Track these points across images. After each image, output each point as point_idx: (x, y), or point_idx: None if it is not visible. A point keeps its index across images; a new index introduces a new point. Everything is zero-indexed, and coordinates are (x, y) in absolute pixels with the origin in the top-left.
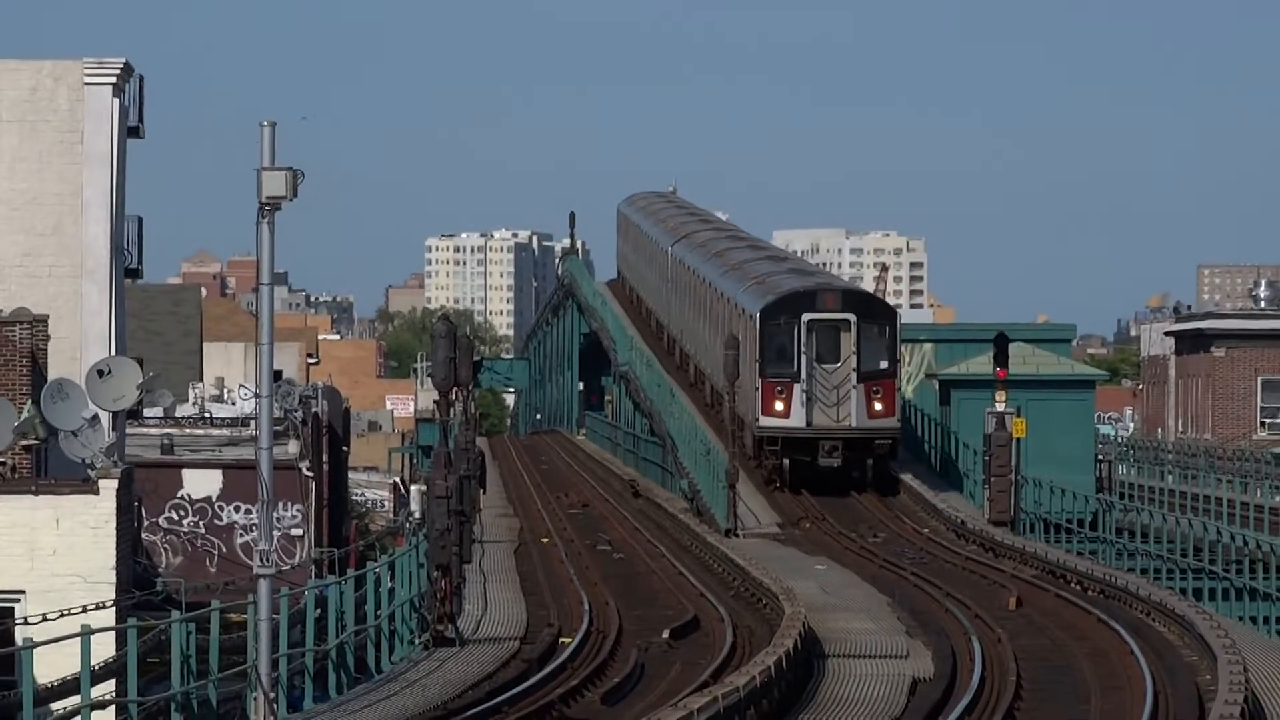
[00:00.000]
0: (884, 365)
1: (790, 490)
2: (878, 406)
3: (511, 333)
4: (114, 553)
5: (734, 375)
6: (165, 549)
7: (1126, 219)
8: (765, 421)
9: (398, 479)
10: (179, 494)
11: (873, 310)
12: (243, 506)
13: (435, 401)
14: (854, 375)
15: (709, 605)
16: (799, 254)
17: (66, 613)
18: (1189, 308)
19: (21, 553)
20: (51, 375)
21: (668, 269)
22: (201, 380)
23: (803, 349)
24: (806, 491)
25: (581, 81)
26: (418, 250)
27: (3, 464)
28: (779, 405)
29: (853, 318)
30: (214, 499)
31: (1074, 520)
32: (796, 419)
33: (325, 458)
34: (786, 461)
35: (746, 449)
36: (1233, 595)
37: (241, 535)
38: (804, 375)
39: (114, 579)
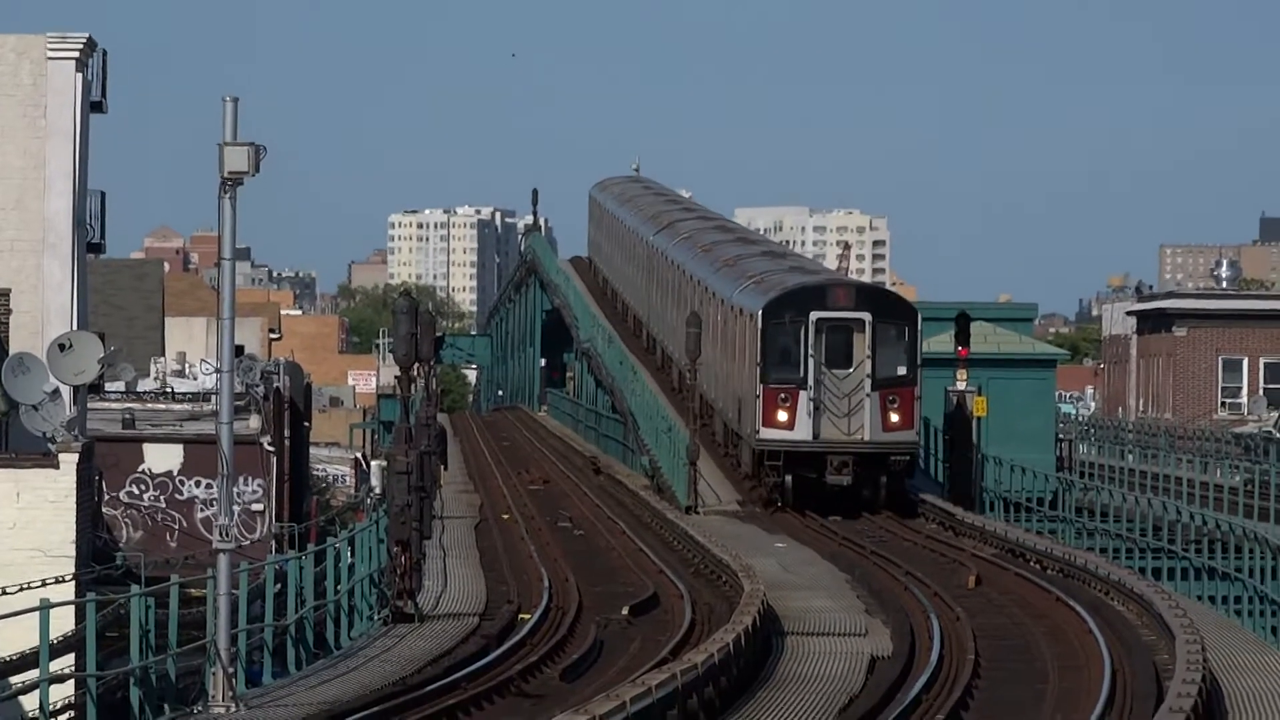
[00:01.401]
0: (902, 371)
1: (794, 511)
2: (894, 418)
3: (474, 309)
4: (74, 527)
5: (695, 353)
6: (126, 523)
7: (1089, 199)
8: (766, 433)
9: (359, 455)
10: (140, 468)
11: (891, 309)
12: (203, 481)
13: (397, 377)
14: (868, 382)
15: (669, 582)
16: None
17: (25, 586)
18: (1151, 287)
19: None
20: (13, 349)
21: (647, 261)
22: (163, 355)
23: (810, 352)
24: (812, 513)
25: (544, 59)
26: (381, 226)
27: None
28: (782, 415)
29: (868, 317)
30: (175, 474)
31: (1034, 499)
32: (802, 431)
33: (286, 433)
34: (790, 479)
35: (743, 465)
36: (1191, 575)
37: (202, 510)
38: (811, 382)
39: (74, 553)
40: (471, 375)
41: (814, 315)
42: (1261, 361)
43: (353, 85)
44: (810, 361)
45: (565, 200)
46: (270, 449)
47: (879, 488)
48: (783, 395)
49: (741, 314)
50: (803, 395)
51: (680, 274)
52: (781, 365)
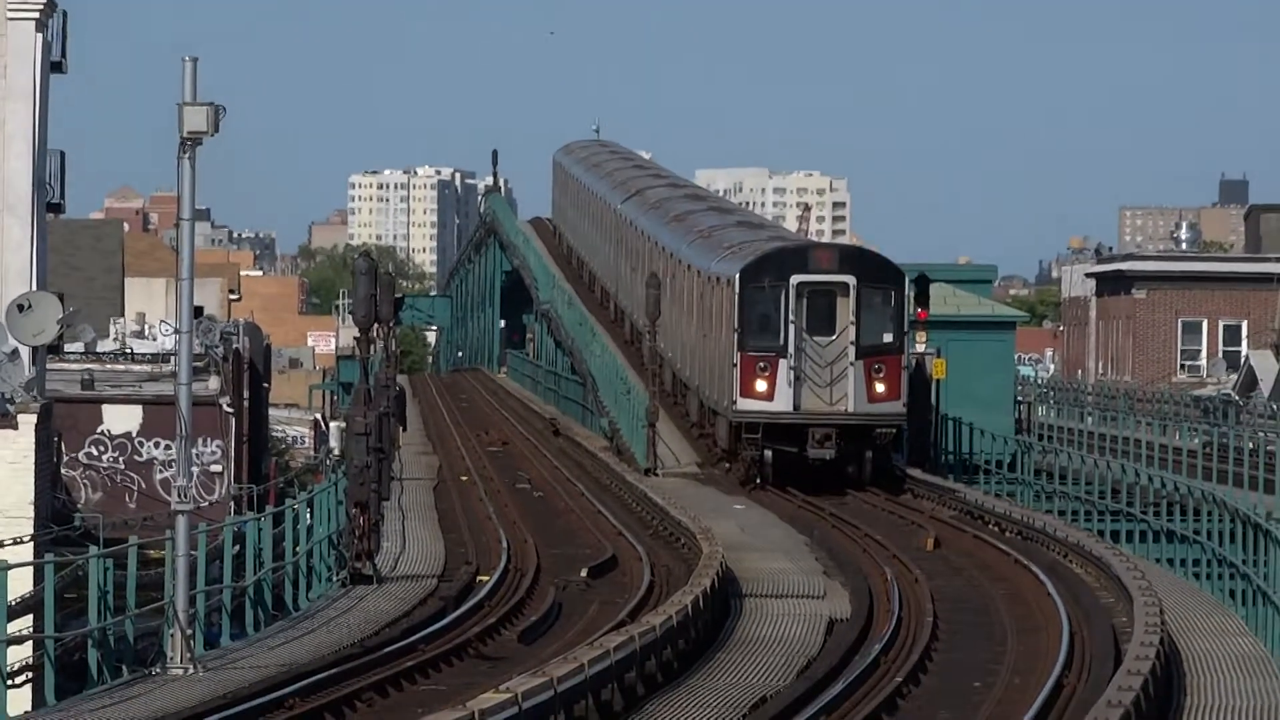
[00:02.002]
0: (888, 338)
1: (774, 487)
2: (880, 388)
3: (434, 270)
4: (32, 487)
5: (655, 314)
6: (84, 484)
7: (1049, 161)
8: (744, 404)
9: (318, 416)
10: (99, 429)
11: (876, 272)
12: (162, 442)
13: (356, 338)
14: (852, 350)
15: (627, 544)
16: (721, 193)
17: None
18: (1110, 249)
19: None
20: None
21: (615, 230)
22: (123, 316)
23: (791, 317)
24: (794, 490)
25: (504, 18)
26: (341, 187)
27: None
28: (760, 385)
29: (852, 280)
30: (134, 435)
31: (992, 461)
32: (782, 401)
33: (246, 394)
34: (769, 453)
35: (719, 441)
36: (1150, 537)
37: (161, 471)
38: (791, 349)
39: (32, 514)
40: (431, 336)
41: (794, 279)
42: (1221, 324)
43: (313, 45)
44: (791, 328)
45: (525, 161)
46: (229, 410)
47: (864, 462)
48: (761, 364)
49: (718, 282)
50: (782, 364)
51: (651, 244)
52: (760, 332)
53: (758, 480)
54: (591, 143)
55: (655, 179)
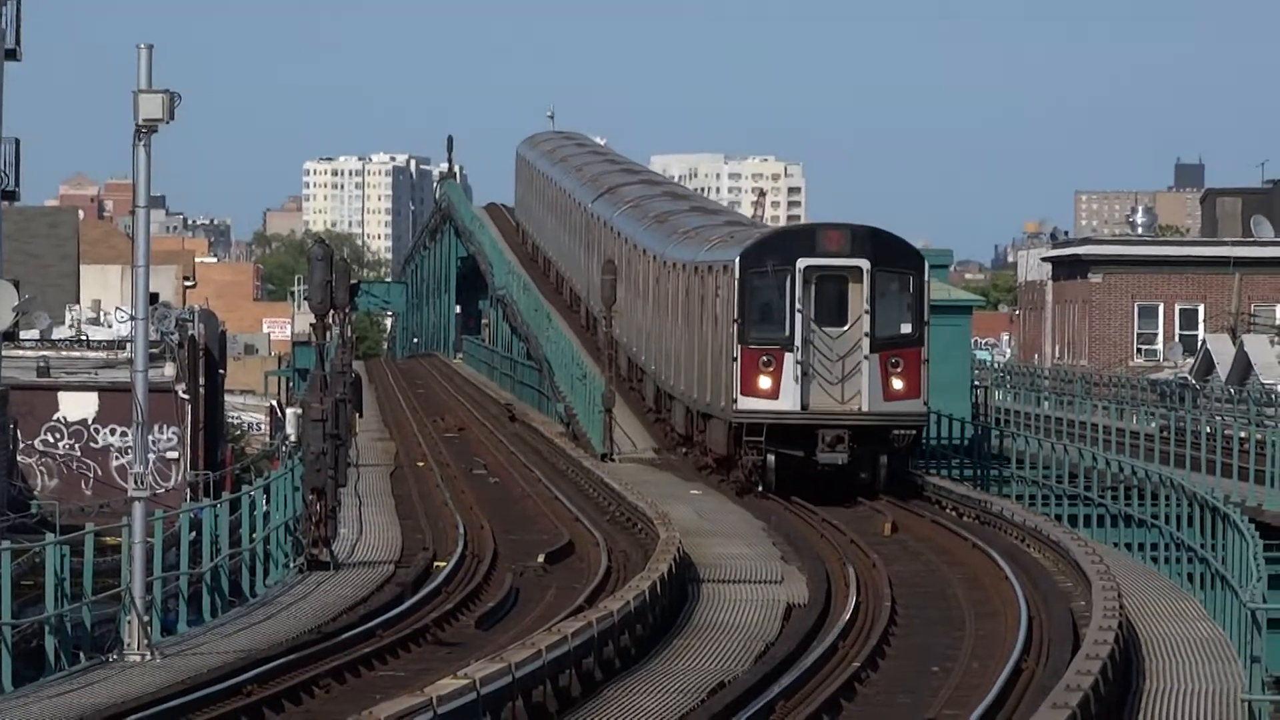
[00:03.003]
0: (907, 329)
1: (777, 496)
2: (897, 384)
3: (390, 256)
4: None
5: (611, 299)
6: (40, 471)
7: (1005, 145)
8: (746, 403)
9: (274, 402)
10: (54, 416)
11: (893, 254)
12: (118, 429)
13: (312, 325)
14: (866, 342)
15: (584, 530)
16: (676, 179)
17: None
18: (1066, 234)
19: None
20: None
21: (587, 231)
22: (78, 303)
23: (798, 306)
24: (800, 499)
25: (458, 3)
26: (295, 173)
27: None
28: (764, 382)
29: (865, 264)
30: (90, 421)
31: (949, 446)
32: (788, 400)
33: (201, 381)
34: (772, 458)
35: (714, 446)
36: (1107, 521)
37: (117, 458)
38: (799, 342)
39: None
40: (387, 322)
41: (801, 263)
42: (1177, 308)
43: (267, 31)
44: (797, 318)
45: (481, 147)
46: (185, 397)
47: (879, 468)
48: (765, 358)
49: (711, 271)
50: (788, 358)
51: (629, 246)
52: (763, 323)
53: (759, 488)
54: (555, 134)
55: (627, 174)
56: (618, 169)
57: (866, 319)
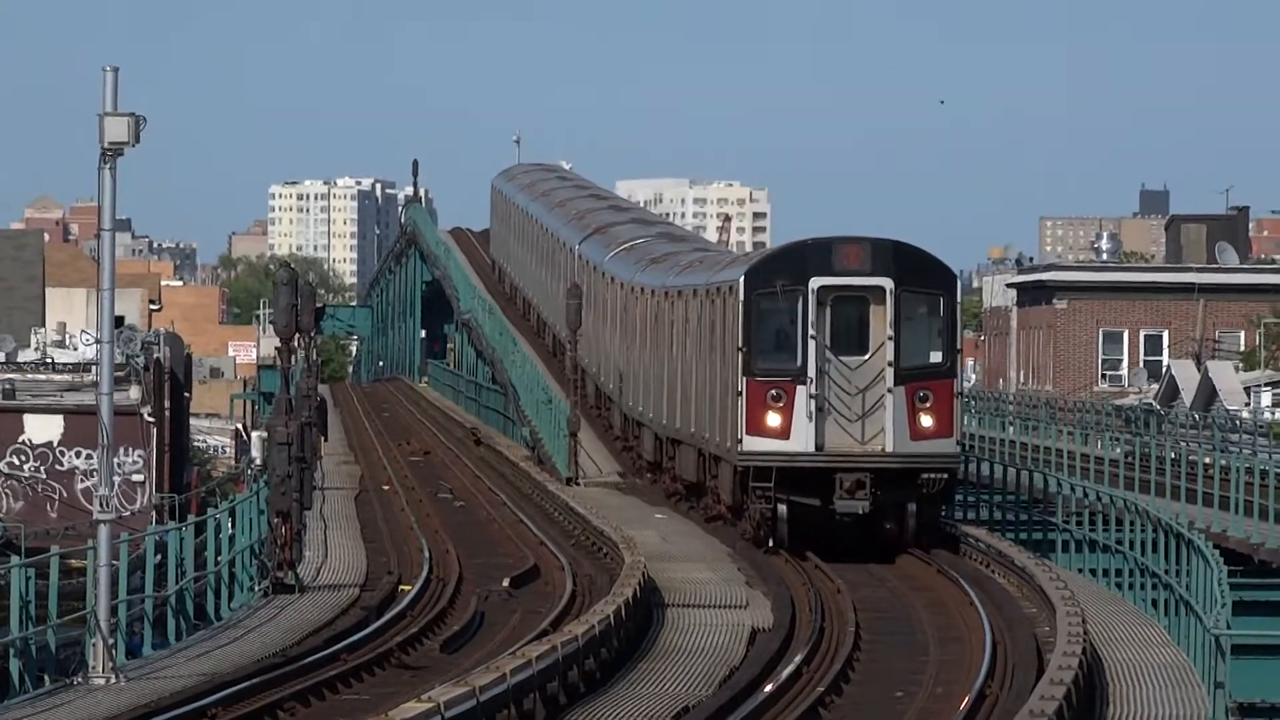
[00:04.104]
0: (937, 358)
1: (788, 553)
2: (926, 421)
3: (355, 280)
4: None
5: (576, 324)
6: (6, 494)
7: (969, 170)
8: (752, 444)
9: (239, 425)
10: (20, 439)
11: (920, 272)
12: (84, 452)
13: (277, 348)
14: (890, 373)
15: (549, 554)
16: (642, 204)
17: None
18: (1031, 259)
19: None
20: None
21: (576, 274)
22: (43, 326)
23: (811, 332)
24: (816, 556)
25: (422, 23)
26: (261, 197)
27: None
28: (773, 419)
29: (888, 283)
30: (55, 444)
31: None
32: (800, 440)
33: (167, 404)
34: (784, 507)
35: (721, 494)
36: (1072, 547)
37: (82, 480)
38: (813, 373)
39: None
40: (353, 346)
41: (815, 282)
42: (1141, 334)
43: (232, 55)
44: (811, 345)
45: (446, 171)
46: (150, 420)
47: (906, 517)
48: (774, 392)
49: (717, 295)
50: (801, 392)
51: (626, 292)
52: (772, 352)
53: (769, 543)
54: (535, 168)
55: (616, 212)
56: (605, 206)
57: (890, 346)
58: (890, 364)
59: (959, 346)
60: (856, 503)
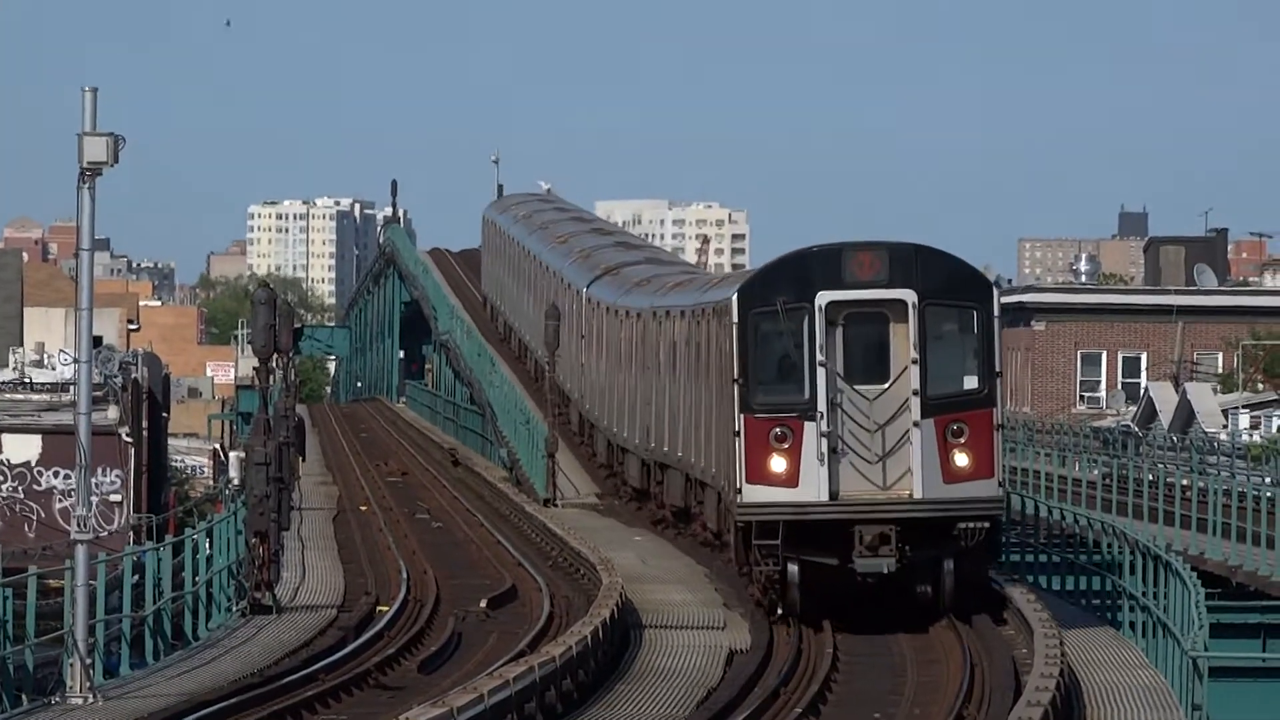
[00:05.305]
0: (972, 384)
1: (800, 622)
2: (961, 460)
3: (333, 300)
4: None
5: (554, 345)
6: None
7: (948, 191)
8: (754, 494)
9: (217, 445)
10: None
11: (949, 282)
12: (62, 472)
13: (255, 368)
14: (916, 403)
15: (527, 575)
16: (620, 225)
17: None
18: (1009, 281)
19: None
20: None
21: (585, 320)
22: (21, 345)
23: (820, 358)
24: (831, 624)
25: (401, 44)
26: (240, 217)
27: None
28: (778, 464)
29: (911, 297)
30: (33, 464)
31: None
32: (811, 487)
33: (145, 424)
34: (794, 568)
35: (729, 544)
36: (1050, 569)
37: (60, 500)
38: (823, 407)
39: None
40: (331, 366)
41: (823, 297)
42: (1120, 355)
43: (212, 74)
44: (820, 374)
45: (425, 191)
46: (128, 440)
47: (942, 576)
48: (778, 430)
49: (706, 316)
50: (810, 429)
51: (648, 328)
52: (774, 383)
53: (778, 610)
54: (531, 197)
55: (625, 249)
56: (611, 242)
57: (915, 372)
58: (916, 393)
59: (998, 369)
60: (880, 560)
